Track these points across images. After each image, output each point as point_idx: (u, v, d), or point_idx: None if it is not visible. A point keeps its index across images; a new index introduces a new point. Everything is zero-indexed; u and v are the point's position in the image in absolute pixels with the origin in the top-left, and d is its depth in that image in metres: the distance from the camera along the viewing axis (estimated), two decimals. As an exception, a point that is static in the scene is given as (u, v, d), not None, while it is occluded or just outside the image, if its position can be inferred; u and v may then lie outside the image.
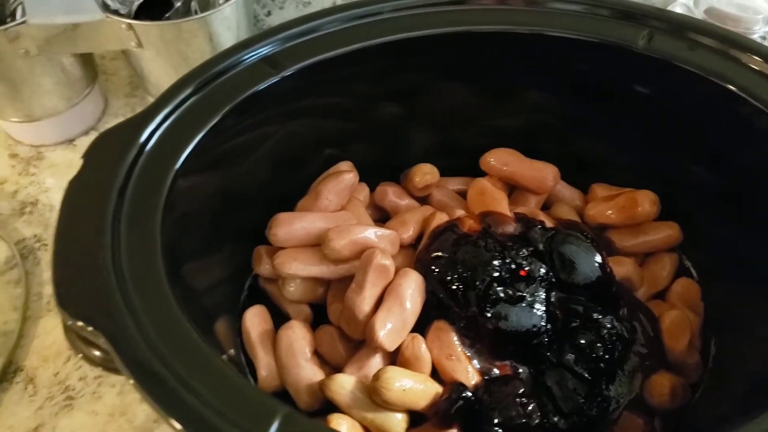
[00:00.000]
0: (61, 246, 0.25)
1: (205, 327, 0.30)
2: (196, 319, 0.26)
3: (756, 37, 0.47)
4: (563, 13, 0.36)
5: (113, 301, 0.23)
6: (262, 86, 0.33)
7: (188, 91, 0.32)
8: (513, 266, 0.33)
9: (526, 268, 0.33)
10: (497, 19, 0.36)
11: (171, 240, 0.28)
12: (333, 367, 0.34)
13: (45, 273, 0.46)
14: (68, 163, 0.54)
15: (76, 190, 0.27)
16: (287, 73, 0.33)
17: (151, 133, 0.30)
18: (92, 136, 0.56)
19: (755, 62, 0.32)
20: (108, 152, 0.28)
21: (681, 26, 0.35)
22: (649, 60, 0.35)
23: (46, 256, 0.47)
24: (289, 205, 0.39)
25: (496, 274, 0.32)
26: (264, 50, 0.34)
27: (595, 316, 0.32)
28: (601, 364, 0.31)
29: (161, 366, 0.22)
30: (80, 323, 0.23)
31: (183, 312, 0.24)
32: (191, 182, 0.30)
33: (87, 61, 0.53)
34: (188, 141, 0.30)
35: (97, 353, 0.25)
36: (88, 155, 0.28)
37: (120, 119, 0.58)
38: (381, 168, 0.42)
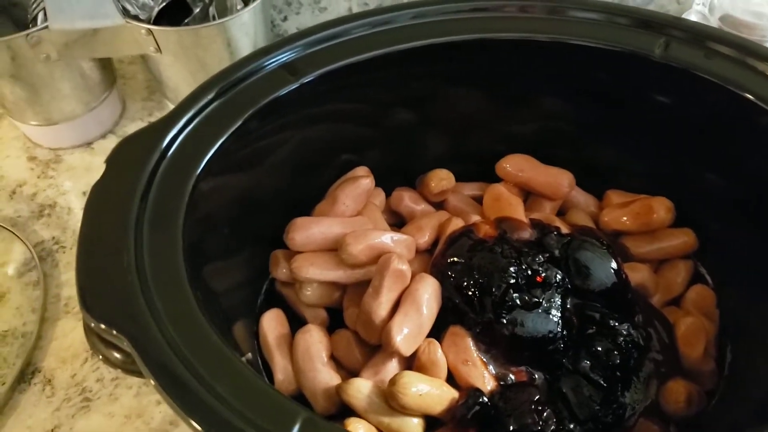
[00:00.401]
0: (85, 249, 0.26)
1: (224, 330, 0.30)
2: (215, 321, 0.26)
3: (772, 44, 0.47)
4: (582, 22, 0.36)
5: (136, 304, 0.24)
6: (281, 92, 0.33)
7: (209, 97, 0.32)
8: (529, 272, 0.33)
9: (542, 275, 0.33)
10: (516, 27, 0.36)
11: (192, 243, 0.28)
12: (349, 372, 0.34)
13: (63, 275, 0.47)
14: (86, 166, 0.55)
15: (99, 195, 0.27)
16: (306, 79, 0.34)
17: (172, 138, 0.30)
18: (110, 139, 0.57)
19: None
20: (130, 157, 0.29)
21: (697, 35, 0.35)
22: (665, 68, 0.35)
23: (64, 259, 0.48)
24: (307, 210, 0.39)
25: (512, 281, 0.32)
26: (283, 57, 0.34)
27: (612, 323, 0.32)
28: (617, 372, 0.31)
29: (183, 368, 0.22)
30: (103, 326, 0.23)
31: (204, 315, 0.24)
32: (212, 187, 0.30)
33: (105, 65, 0.54)
34: (209, 146, 0.30)
35: (117, 355, 0.26)
36: (111, 160, 0.29)
37: (137, 123, 0.59)
38: (397, 173, 0.43)
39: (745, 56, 0.33)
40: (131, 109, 0.59)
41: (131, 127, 0.57)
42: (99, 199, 0.27)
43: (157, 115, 0.58)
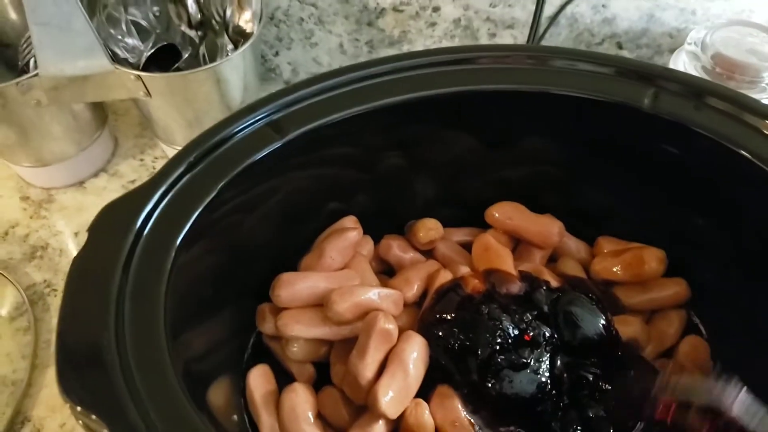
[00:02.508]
0: (65, 325, 0.25)
1: (205, 392, 0.30)
2: (197, 383, 0.26)
3: (764, 84, 0.46)
4: (568, 72, 0.36)
5: (116, 387, 0.23)
6: (267, 151, 0.33)
7: (193, 159, 0.32)
8: (516, 332, 0.32)
9: (530, 333, 0.33)
10: (501, 79, 0.36)
11: (175, 311, 0.28)
12: (336, 430, 0.34)
13: (54, 319, 0.47)
14: (78, 206, 0.54)
15: (81, 266, 0.27)
16: (292, 137, 0.33)
17: (156, 203, 0.30)
18: (102, 177, 0.57)
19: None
20: (113, 225, 0.29)
21: (689, 87, 0.35)
22: (654, 119, 0.35)
23: (55, 302, 0.48)
24: (294, 261, 0.39)
25: (498, 344, 0.32)
26: (267, 115, 0.34)
27: (604, 386, 0.31)
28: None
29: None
30: (81, 410, 0.23)
31: (186, 394, 0.24)
32: (195, 252, 0.30)
33: (97, 104, 0.54)
34: (193, 210, 0.30)
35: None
36: (94, 228, 0.28)
37: (129, 161, 0.58)
38: (386, 219, 0.42)
39: (740, 111, 0.33)
40: (123, 146, 0.59)
41: (123, 165, 0.57)
42: (81, 271, 0.27)
43: (150, 153, 0.58)
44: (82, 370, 0.24)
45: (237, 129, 0.33)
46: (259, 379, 0.35)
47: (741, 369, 0.36)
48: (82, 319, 0.25)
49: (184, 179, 0.30)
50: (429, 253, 0.42)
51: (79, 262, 0.27)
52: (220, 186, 0.30)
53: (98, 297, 0.26)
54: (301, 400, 0.33)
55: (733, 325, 0.37)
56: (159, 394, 0.24)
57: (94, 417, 0.22)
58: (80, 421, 0.25)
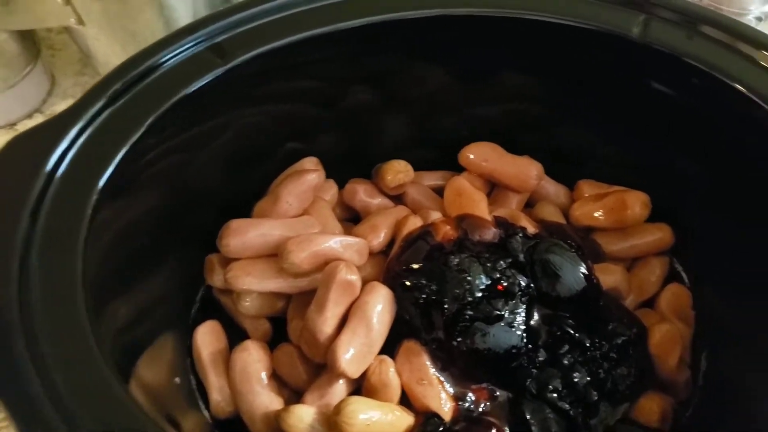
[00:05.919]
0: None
1: (141, 354, 0.26)
2: (132, 344, 0.23)
3: (751, 17, 0.43)
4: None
5: (15, 352, 0.20)
6: (208, 78, 0.29)
7: (121, 86, 0.27)
8: (489, 282, 0.30)
9: (504, 283, 0.30)
10: (472, 2, 0.32)
11: (99, 264, 0.24)
12: (293, 391, 0.31)
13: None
14: (9, 150, 0.49)
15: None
16: (237, 62, 0.29)
17: (76, 136, 0.26)
18: (36, 119, 0.51)
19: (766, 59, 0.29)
20: (21, 160, 0.24)
21: (682, 14, 0.31)
22: (644, 49, 0.31)
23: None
24: (246, 207, 0.35)
25: (468, 296, 0.29)
26: (210, 37, 0.29)
27: (586, 343, 0.29)
28: (587, 400, 0.28)
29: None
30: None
31: (107, 360, 0.21)
32: (124, 197, 0.26)
33: (26, 35, 0.47)
34: (119, 145, 0.26)
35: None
36: (-4, 166, 0.24)
37: (68, 101, 0.53)
38: (351, 161, 0.39)
39: (735, 40, 0.30)
40: (62, 85, 0.53)
41: (61, 106, 0.51)
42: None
43: (91, 92, 0.53)
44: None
45: (171, 54, 0.28)
46: (207, 337, 0.32)
47: (724, 320, 0.34)
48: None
49: (107, 112, 0.26)
50: (398, 198, 0.38)
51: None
52: (150, 120, 0.26)
53: (-1, 246, 0.22)
54: (253, 359, 0.30)
55: (717, 273, 0.35)
56: (70, 361, 0.20)
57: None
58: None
